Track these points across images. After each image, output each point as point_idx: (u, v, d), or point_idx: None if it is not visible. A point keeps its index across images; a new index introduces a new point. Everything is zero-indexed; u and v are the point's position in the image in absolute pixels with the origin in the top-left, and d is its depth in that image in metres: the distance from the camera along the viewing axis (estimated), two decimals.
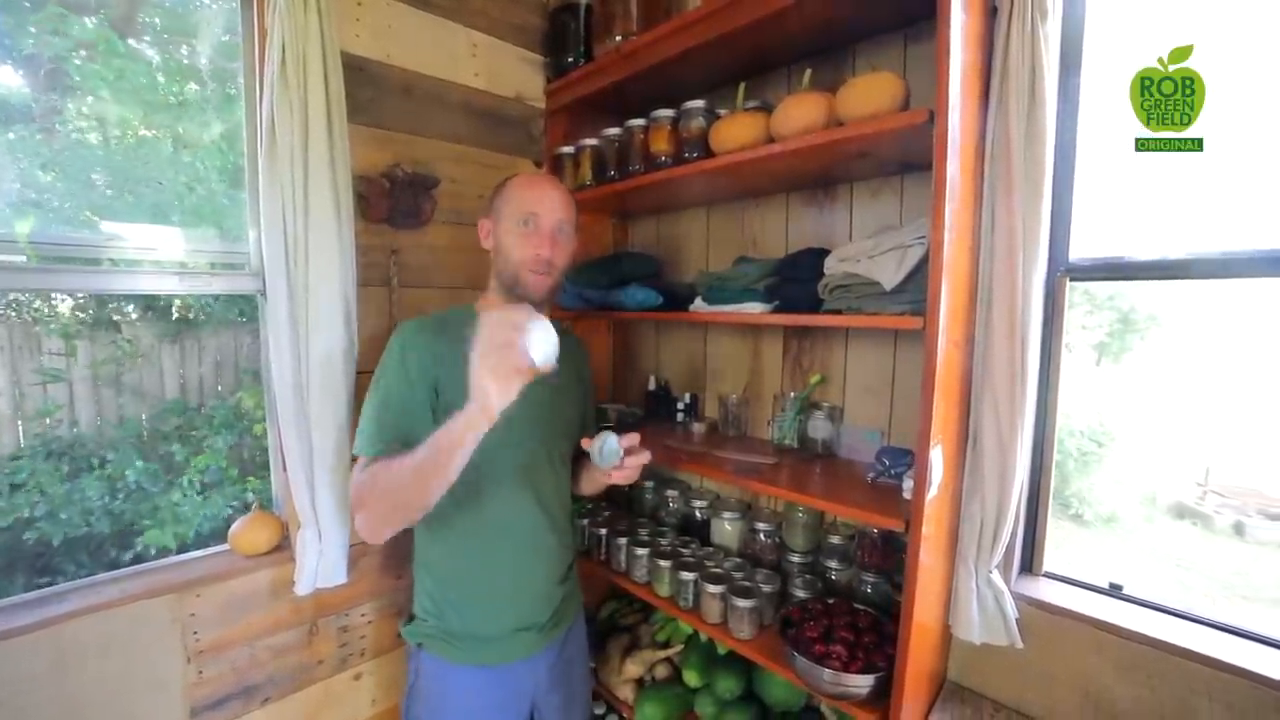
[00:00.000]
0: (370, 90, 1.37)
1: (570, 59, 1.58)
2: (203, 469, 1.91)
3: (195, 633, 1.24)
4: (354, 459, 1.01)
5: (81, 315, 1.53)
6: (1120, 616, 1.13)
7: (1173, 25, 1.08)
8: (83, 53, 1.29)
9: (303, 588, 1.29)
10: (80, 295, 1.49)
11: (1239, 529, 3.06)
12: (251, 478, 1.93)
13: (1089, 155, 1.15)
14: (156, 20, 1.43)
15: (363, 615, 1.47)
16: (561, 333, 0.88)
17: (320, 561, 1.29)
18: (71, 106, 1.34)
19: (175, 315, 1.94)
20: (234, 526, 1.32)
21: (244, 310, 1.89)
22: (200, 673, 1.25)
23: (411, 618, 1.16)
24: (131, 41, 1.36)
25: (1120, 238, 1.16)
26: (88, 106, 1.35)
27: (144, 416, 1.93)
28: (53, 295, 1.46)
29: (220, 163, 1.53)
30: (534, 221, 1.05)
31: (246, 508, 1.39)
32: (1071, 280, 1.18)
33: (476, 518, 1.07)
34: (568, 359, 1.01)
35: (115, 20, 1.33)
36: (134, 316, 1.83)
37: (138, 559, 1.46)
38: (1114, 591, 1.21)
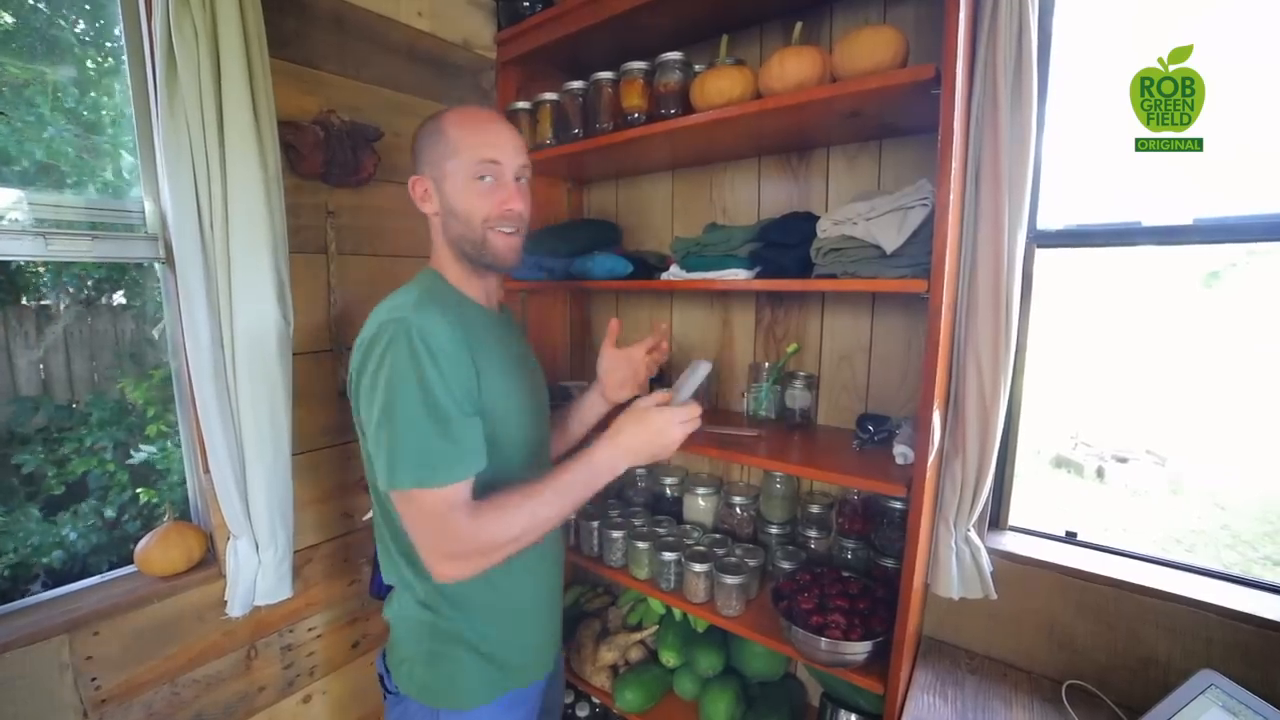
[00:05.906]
0: (294, 20, 1.16)
1: (526, 3, 1.43)
2: (75, 477, 1.60)
3: (94, 679, 1.02)
4: (392, 489, 0.79)
5: None
6: (1078, 561, 1.22)
7: None
8: None
9: (237, 608, 1.10)
10: None
11: (1100, 473, 3.56)
12: (145, 487, 1.64)
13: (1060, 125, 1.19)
14: None
15: (310, 630, 1.29)
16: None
17: (259, 576, 1.10)
18: None
19: (31, 290, 1.59)
20: (142, 543, 1.10)
21: (128, 283, 1.59)
22: None
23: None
24: None
25: (1080, 207, 1.22)
26: None
27: None
28: None
29: (76, 103, 1.24)
30: (495, 172, 0.87)
31: (148, 522, 1.16)
32: (1039, 247, 1.22)
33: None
34: (520, 339, 1.04)
35: None
36: None
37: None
38: (1070, 539, 1.30)
